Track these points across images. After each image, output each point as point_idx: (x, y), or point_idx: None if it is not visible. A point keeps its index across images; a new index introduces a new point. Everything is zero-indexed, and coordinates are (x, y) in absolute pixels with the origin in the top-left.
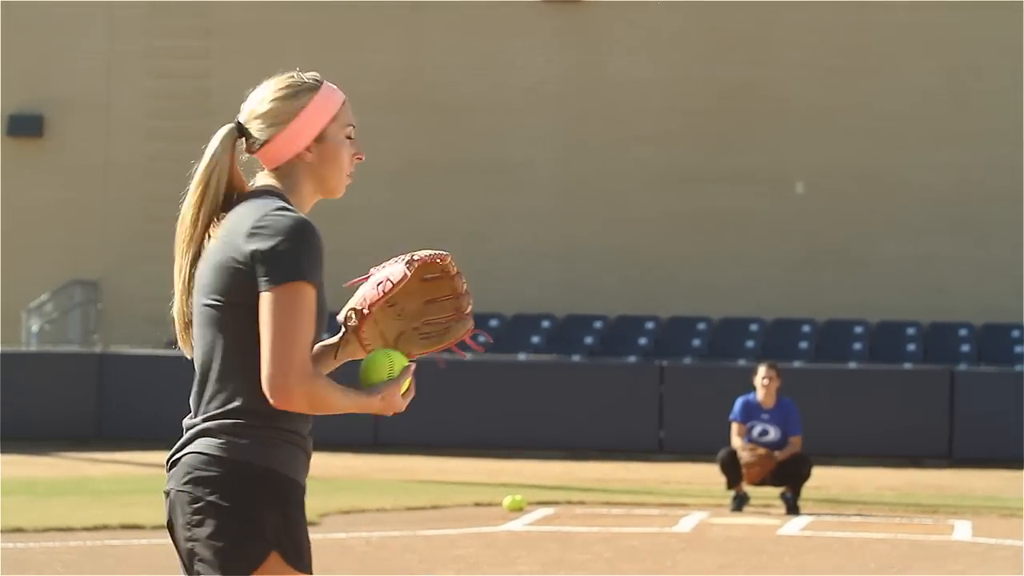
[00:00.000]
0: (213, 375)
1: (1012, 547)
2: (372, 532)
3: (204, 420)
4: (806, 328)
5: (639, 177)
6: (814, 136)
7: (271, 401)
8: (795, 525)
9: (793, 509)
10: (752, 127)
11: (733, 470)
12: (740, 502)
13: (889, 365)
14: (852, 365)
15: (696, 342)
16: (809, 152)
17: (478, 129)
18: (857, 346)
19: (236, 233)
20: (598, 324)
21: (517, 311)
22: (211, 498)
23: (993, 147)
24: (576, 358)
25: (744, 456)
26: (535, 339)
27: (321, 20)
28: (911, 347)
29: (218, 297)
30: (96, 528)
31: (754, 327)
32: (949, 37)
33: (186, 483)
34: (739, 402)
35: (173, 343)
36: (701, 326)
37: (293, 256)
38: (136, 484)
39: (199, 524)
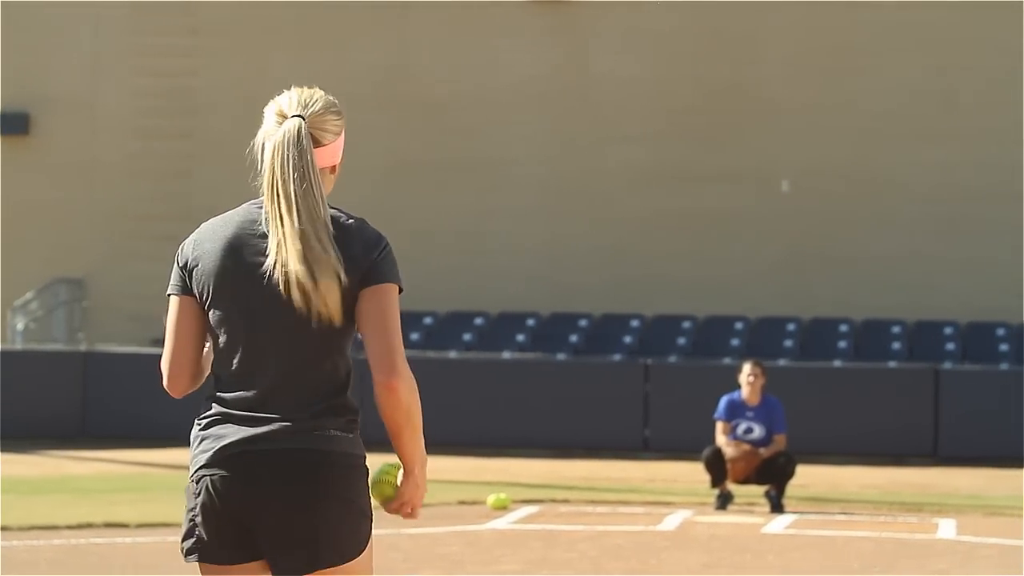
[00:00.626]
0: (314, 372)
1: (996, 545)
2: None
3: (313, 415)
4: (791, 326)
5: (625, 176)
6: (800, 135)
7: (393, 377)
8: (779, 523)
9: (777, 507)
10: (738, 126)
11: (718, 468)
12: (724, 500)
13: (874, 363)
14: (837, 363)
15: (681, 340)
16: (795, 151)
17: (465, 128)
18: (842, 344)
19: (348, 246)
20: (583, 322)
21: (502, 309)
22: (336, 490)
23: (980, 146)
24: (561, 356)
25: (729, 452)
26: (520, 337)
27: (307, 19)
28: (896, 345)
29: (342, 303)
30: (80, 526)
31: (739, 325)
32: (937, 36)
33: (305, 473)
34: (724, 400)
35: (158, 341)
36: (686, 324)
37: (395, 263)
38: (121, 482)
39: (323, 512)
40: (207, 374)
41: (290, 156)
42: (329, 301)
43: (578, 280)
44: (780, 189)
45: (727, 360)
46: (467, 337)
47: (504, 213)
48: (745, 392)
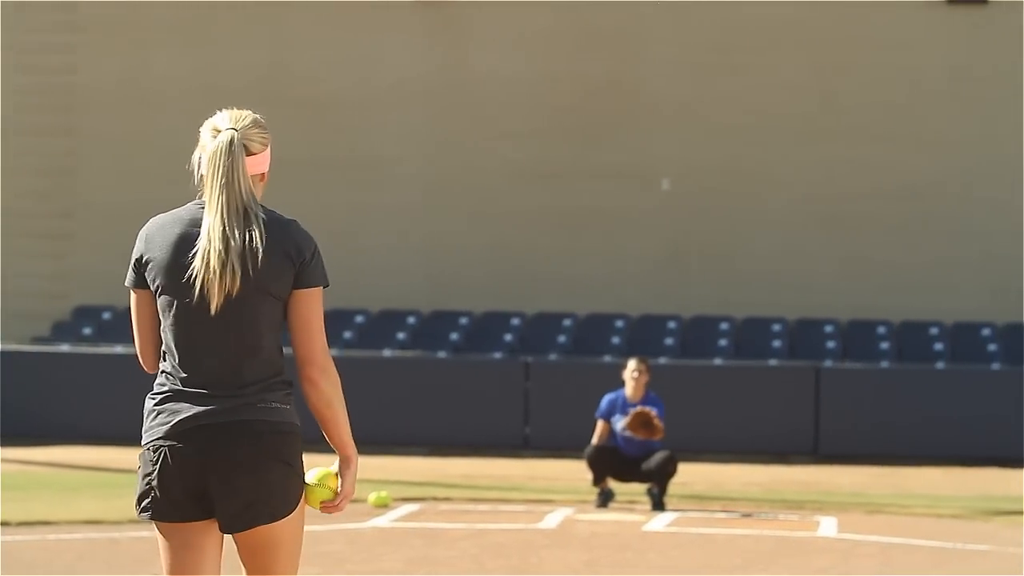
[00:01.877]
0: (256, 352)
1: (877, 543)
2: None
3: (257, 391)
4: (672, 324)
5: (505, 173)
6: (680, 133)
7: (316, 371)
8: (660, 521)
9: (659, 505)
10: (619, 124)
11: (600, 466)
12: (606, 498)
13: (755, 361)
14: (718, 362)
15: (561, 338)
16: (675, 149)
17: (344, 125)
18: (723, 343)
19: (284, 241)
20: (463, 320)
21: (382, 307)
22: (280, 454)
23: (859, 144)
24: (441, 354)
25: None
26: (400, 335)
27: (187, 16)
28: (777, 343)
29: (273, 290)
30: None
31: (620, 323)
32: (815, 35)
33: (254, 442)
34: (605, 400)
35: (38, 339)
36: (567, 322)
37: (323, 264)
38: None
39: (267, 474)
40: None
41: (223, 161)
42: (251, 284)
43: (458, 278)
44: (660, 187)
45: (607, 358)
46: (347, 335)
47: (385, 211)
48: (629, 389)
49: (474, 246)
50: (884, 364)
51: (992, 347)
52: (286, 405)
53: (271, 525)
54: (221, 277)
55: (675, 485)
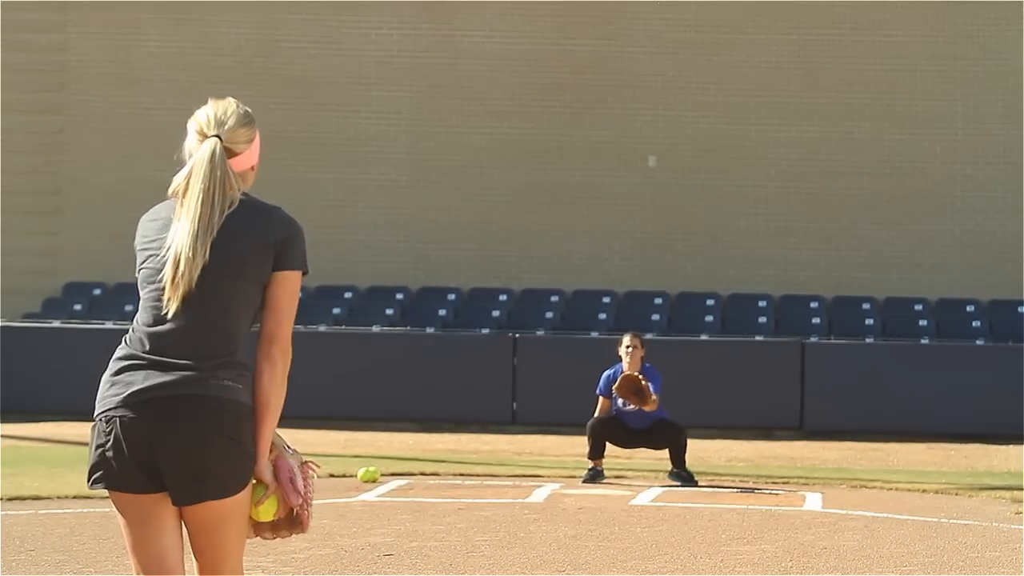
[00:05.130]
0: (217, 330)
1: (861, 517)
2: None
3: (212, 367)
4: (658, 300)
5: (493, 151)
6: (666, 110)
7: (278, 351)
8: (647, 496)
9: (689, 480)
10: (605, 101)
11: (601, 436)
12: (595, 476)
13: (741, 337)
14: (704, 337)
15: (549, 314)
16: (662, 126)
17: (332, 103)
18: (709, 318)
19: (262, 229)
20: (452, 296)
21: (371, 283)
22: (226, 430)
23: (843, 122)
24: (430, 330)
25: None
26: (389, 311)
27: None
28: (762, 319)
29: (247, 274)
30: None
31: (607, 300)
32: (800, 13)
33: (202, 416)
34: (604, 377)
35: (30, 315)
36: (554, 298)
37: (304, 250)
38: None
39: (213, 448)
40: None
41: (204, 172)
42: (222, 270)
43: (447, 254)
44: (647, 164)
45: (595, 334)
46: (337, 311)
47: (372, 188)
48: (625, 364)
49: (462, 223)
50: (869, 340)
51: (976, 323)
52: (239, 384)
53: (221, 501)
54: (177, 285)
55: (661, 460)
